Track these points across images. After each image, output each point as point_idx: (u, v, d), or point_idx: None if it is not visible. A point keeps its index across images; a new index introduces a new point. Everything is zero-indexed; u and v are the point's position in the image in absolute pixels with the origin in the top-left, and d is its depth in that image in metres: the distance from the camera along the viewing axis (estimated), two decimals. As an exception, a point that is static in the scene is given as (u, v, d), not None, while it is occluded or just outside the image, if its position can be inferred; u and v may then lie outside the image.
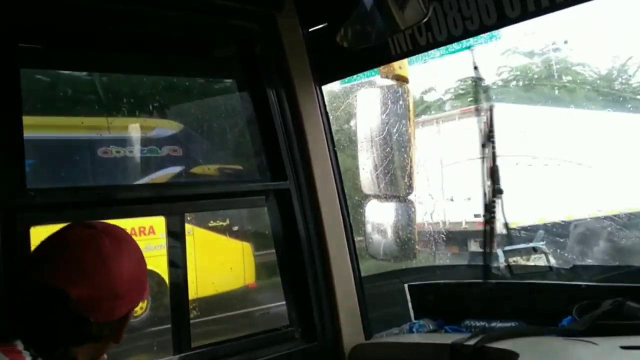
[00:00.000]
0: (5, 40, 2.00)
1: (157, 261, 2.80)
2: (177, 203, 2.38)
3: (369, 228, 2.84)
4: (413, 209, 2.80)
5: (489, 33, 2.50)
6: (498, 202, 2.46)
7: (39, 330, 1.31)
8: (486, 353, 2.20)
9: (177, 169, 6.39)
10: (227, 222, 7.08)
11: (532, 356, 2.04)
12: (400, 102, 2.74)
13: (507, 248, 2.55)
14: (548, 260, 2.50)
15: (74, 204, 2.16)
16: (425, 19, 2.04)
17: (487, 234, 2.48)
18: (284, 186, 2.54)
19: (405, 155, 2.78)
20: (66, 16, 2.12)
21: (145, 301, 6.63)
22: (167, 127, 6.77)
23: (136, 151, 6.56)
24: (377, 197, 2.81)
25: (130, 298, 1.40)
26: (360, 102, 2.80)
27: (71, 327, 1.32)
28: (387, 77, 2.75)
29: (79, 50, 2.26)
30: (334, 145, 2.65)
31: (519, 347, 2.11)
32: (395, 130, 2.76)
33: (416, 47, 2.40)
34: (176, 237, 2.41)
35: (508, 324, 2.46)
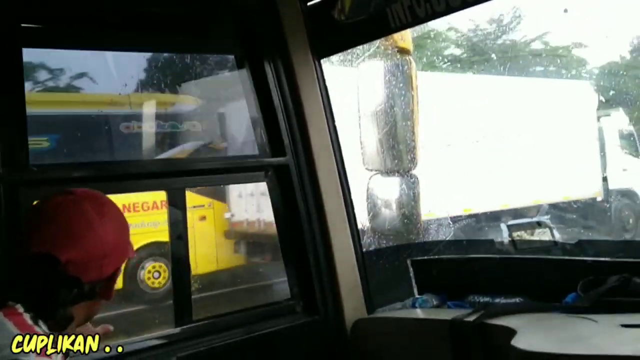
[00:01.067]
0: (7, 21, 2.06)
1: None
2: (178, 178, 2.42)
3: (371, 203, 2.84)
4: (417, 183, 2.79)
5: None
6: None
7: (37, 296, 1.40)
8: (485, 329, 2.20)
9: (197, 144, 6.48)
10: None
11: (530, 333, 2.02)
12: (403, 74, 2.71)
13: (511, 222, 2.52)
14: (553, 235, 2.47)
15: (76, 179, 2.22)
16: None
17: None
18: (282, 162, 2.55)
19: (408, 128, 2.75)
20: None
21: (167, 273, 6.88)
22: (187, 102, 6.84)
23: (157, 126, 6.67)
24: (380, 172, 2.80)
25: (116, 256, 1.50)
26: (361, 75, 2.77)
27: (65, 288, 1.41)
28: (388, 49, 2.71)
29: (79, 29, 2.29)
30: (333, 120, 2.65)
31: (518, 323, 2.10)
32: (398, 103, 2.74)
33: (415, 18, 2.35)
34: (177, 212, 2.45)
35: (512, 300, 2.45)
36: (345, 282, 2.62)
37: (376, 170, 2.81)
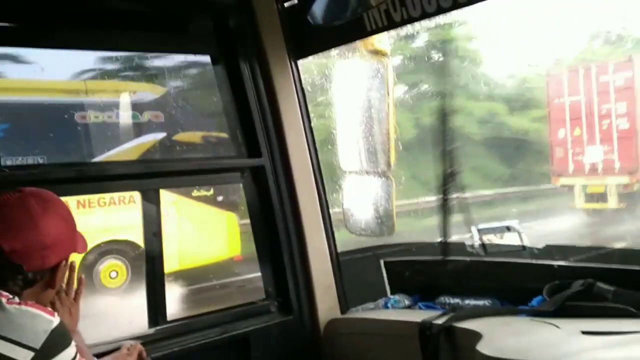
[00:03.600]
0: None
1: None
2: (152, 179, 2.57)
3: (347, 203, 3.04)
4: (391, 184, 3.00)
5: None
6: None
7: None
8: (453, 332, 2.40)
9: (159, 136, 6.50)
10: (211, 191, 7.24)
11: (495, 337, 2.22)
12: (379, 77, 2.91)
13: (481, 226, 2.74)
14: (521, 239, 2.70)
15: (48, 181, 2.34)
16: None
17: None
18: (258, 163, 2.73)
19: (383, 131, 2.96)
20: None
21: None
22: (149, 91, 6.85)
23: (116, 116, 6.66)
24: (355, 172, 3.01)
25: (59, 249, 1.70)
26: (337, 78, 2.96)
27: (8, 273, 1.62)
28: (365, 51, 2.90)
29: (51, 27, 2.40)
30: (309, 121, 2.83)
31: (484, 327, 2.30)
32: (373, 105, 2.94)
33: (391, 22, 2.56)
34: (152, 212, 2.60)
35: (481, 302, 2.67)
36: (319, 283, 2.82)
37: (353, 172, 3.03)
